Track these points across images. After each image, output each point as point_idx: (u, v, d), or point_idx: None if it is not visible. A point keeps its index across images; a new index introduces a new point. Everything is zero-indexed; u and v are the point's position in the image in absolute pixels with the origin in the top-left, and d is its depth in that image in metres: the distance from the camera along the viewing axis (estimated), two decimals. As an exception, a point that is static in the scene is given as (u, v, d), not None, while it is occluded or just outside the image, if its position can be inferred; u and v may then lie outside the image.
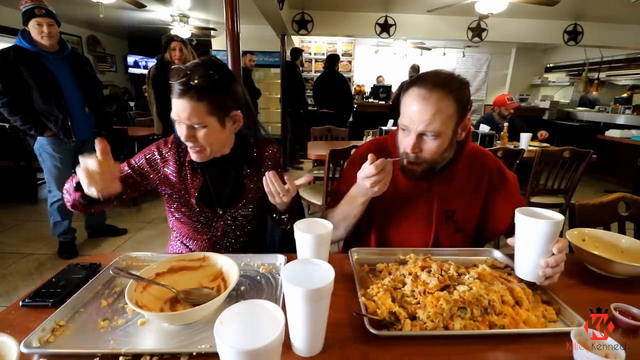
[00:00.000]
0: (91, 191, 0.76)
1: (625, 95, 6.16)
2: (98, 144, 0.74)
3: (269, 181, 0.88)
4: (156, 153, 1.01)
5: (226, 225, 1.05)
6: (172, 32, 5.02)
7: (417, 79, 0.89)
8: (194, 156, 0.94)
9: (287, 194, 0.88)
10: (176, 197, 1.02)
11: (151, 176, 1.01)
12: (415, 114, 0.86)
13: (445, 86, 0.86)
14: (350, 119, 5.30)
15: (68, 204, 0.92)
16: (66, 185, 0.92)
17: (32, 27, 2.07)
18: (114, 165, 0.77)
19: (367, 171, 0.84)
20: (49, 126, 2.20)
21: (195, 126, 0.88)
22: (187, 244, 1.09)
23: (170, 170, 1.00)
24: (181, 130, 0.89)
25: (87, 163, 0.73)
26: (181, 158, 1.01)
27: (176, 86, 0.84)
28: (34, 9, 2.06)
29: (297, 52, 5.03)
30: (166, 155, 1.01)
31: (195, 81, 0.84)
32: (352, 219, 0.99)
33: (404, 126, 0.90)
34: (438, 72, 0.90)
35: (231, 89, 0.92)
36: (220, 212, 1.04)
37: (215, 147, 0.94)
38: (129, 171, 0.99)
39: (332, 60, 4.77)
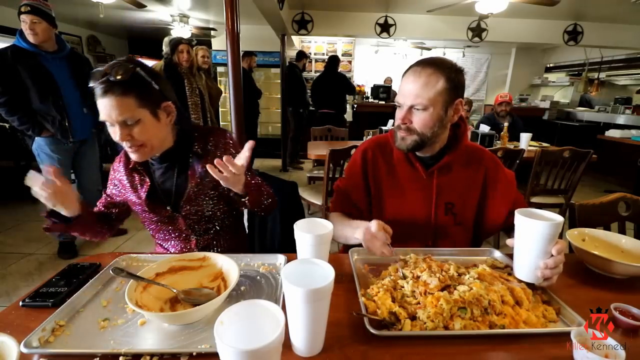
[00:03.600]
0: (49, 204, 0.83)
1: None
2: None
3: (214, 168, 0.82)
4: (112, 171, 1.06)
5: (188, 219, 1.02)
6: (173, 33, 5.04)
7: (414, 62, 0.97)
8: (134, 156, 0.92)
9: (233, 174, 0.82)
10: (135, 204, 1.03)
11: (118, 193, 1.06)
12: (406, 89, 0.93)
13: (437, 64, 0.92)
14: (350, 119, 5.27)
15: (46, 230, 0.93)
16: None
17: (27, 22, 2.07)
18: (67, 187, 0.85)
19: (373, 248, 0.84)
20: (47, 126, 2.20)
21: (129, 122, 0.85)
22: (164, 245, 1.09)
23: (123, 179, 1.03)
24: (115, 132, 0.86)
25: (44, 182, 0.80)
26: (129, 165, 1.02)
27: (98, 87, 0.82)
28: (21, 7, 2.07)
29: (301, 55, 5.09)
30: (117, 168, 1.04)
31: (118, 77, 0.81)
32: (351, 242, 0.98)
33: (398, 103, 0.97)
34: (434, 56, 0.97)
35: (156, 82, 0.89)
36: (170, 209, 1.01)
37: (155, 142, 0.92)
38: (105, 195, 1.08)
39: (333, 61, 4.79)
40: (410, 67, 0.96)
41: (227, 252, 1.06)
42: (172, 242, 1.08)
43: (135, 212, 1.08)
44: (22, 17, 2.06)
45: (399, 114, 0.96)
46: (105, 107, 0.83)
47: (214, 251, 0.94)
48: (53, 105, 2.17)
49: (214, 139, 1.03)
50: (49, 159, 2.27)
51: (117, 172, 1.05)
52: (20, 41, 2.09)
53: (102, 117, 0.85)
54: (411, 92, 0.91)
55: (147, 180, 1.00)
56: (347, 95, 5.02)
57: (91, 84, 0.83)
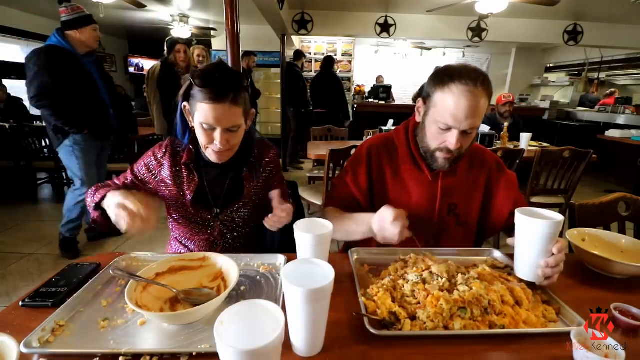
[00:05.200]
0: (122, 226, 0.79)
1: (608, 92, 6.09)
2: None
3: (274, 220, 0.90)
4: (152, 158, 1.03)
5: (223, 226, 1.05)
6: (173, 33, 5.04)
7: (456, 74, 0.86)
8: (217, 157, 0.94)
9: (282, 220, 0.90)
10: (173, 200, 1.03)
11: (150, 181, 1.03)
12: (461, 113, 0.84)
13: (485, 83, 0.86)
14: (350, 119, 5.26)
15: (90, 218, 0.93)
16: (88, 200, 0.94)
17: (89, 31, 2.18)
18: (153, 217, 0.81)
19: (393, 230, 0.80)
20: (90, 125, 2.25)
21: (232, 130, 0.89)
22: (186, 244, 1.09)
23: (166, 173, 1.01)
24: (211, 135, 0.88)
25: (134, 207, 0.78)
26: (176, 160, 1.01)
27: (211, 91, 0.84)
28: (91, 16, 2.21)
29: (299, 54, 5.09)
30: (161, 159, 1.02)
31: (231, 85, 0.85)
32: (354, 236, 0.96)
33: (445, 125, 0.88)
34: (471, 67, 0.87)
35: (247, 87, 0.94)
36: (216, 213, 1.03)
37: (237, 147, 0.98)
38: (132, 178, 1.02)
39: (326, 61, 4.83)
40: (456, 83, 0.85)
41: (240, 252, 1.07)
42: (195, 241, 1.08)
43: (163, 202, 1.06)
44: (95, 25, 2.20)
45: (449, 138, 0.89)
46: (217, 113, 0.85)
47: (230, 251, 0.96)
48: (99, 106, 2.26)
49: (267, 155, 1.08)
50: (86, 155, 2.31)
51: (160, 165, 1.01)
52: (62, 42, 2.13)
53: (207, 121, 0.86)
54: (468, 116, 0.84)
55: (196, 179, 1.00)
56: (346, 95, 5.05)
57: (200, 86, 0.84)
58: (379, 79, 7.03)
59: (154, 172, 1.02)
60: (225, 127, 0.88)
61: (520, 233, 0.75)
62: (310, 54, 6.71)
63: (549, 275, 0.72)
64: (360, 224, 0.91)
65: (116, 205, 0.80)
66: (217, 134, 0.88)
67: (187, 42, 3.10)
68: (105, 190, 0.90)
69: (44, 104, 2.11)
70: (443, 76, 0.88)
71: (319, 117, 4.83)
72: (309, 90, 5.18)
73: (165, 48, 3.09)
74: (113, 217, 0.81)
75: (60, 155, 2.33)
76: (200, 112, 0.86)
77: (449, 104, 0.85)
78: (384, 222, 0.81)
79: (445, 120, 0.87)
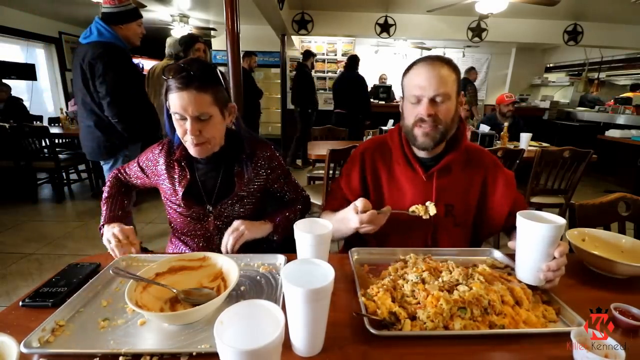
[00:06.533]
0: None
1: (629, 94, 6.04)
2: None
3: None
4: (150, 154, 1.08)
5: (217, 221, 1.06)
6: (173, 32, 5.03)
7: (416, 61, 0.98)
8: (195, 151, 0.95)
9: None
10: (168, 194, 1.06)
11: (151, 174, 1.09)
12: (425, 81, 0.91)
13: (444, 59, 0.95)
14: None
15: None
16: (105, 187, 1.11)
17: (134, 27, 1.98)
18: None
19: (354, 221, 0.85)
20: (149, 132, 2.09)
21: (202, 118, 0.90)
22: (185, 240, 1.10)
23: (161, 169, 1.05)
24: (184, 126, 0.90)
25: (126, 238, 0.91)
26: (170, 156, 1.04)
27: (177, 81, 0.87)
28: (137, 9, 1.98)
29: (308, 54, 4.96)
30: (157, 156, 1.06)
31: (198, 73, 0.87)
32: (345, 235, 0.98)
33: (415, 97, 0.93)
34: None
35: (224, 82, 0.96)
36: (210, 209, 1.05)
37: (217, 140, 0.98)
38: (136, 169, 1.11)
39: (352, 61, 4.65)
40: (416, 64, 0.95)
41: (240, 249, 1.09)
42: (192, 236, 1.09)
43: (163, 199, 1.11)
44: (140, 20, 1.99)
45: (421, 108, 0.92)
46: (183, 100, 0.87)
47: None
48: (152, 109, 2.14)
49: (261, 152, 1.08)
50: None
51: (156, 161, 1.06)
52: (119, 40, 1.90)
53: (176, 110, 0.89)
54: (432, 83, 0.90)
55: (188, 175, 1.02)
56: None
57: (168, 77, 0.87)
58: (382, 77, 6.89)
59: (152, 167, 1.07)
60: (193, 115, 0.88)
61: (521, 236, 0.75)
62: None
63: (550, 278, 0.72)
64: (346, 222, 0.90)
65: (110, 236, 0.91)
66: (188, 124, 0.89)
67: (205, 42, 2.98)
68: (113, 207, 1.04)
69: (126, 117, 1.88)
70: (407, 67, 0.99)
71: (338, 117, 4.62)
72: (321, 91, 5.03)
73: (169, 48, 3.01)
74: (105, 242, 0.92)
75: (108, 165, 2.09)
76: (171, 103, 0.89)
77: (413, 79, 0.94)
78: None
79: (413, 93, 0.93)
